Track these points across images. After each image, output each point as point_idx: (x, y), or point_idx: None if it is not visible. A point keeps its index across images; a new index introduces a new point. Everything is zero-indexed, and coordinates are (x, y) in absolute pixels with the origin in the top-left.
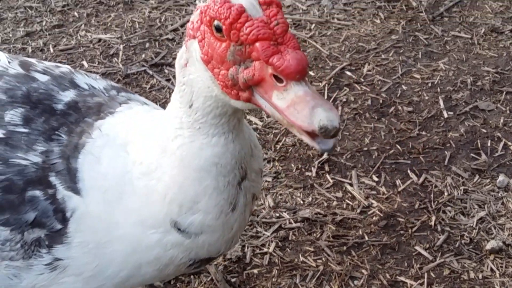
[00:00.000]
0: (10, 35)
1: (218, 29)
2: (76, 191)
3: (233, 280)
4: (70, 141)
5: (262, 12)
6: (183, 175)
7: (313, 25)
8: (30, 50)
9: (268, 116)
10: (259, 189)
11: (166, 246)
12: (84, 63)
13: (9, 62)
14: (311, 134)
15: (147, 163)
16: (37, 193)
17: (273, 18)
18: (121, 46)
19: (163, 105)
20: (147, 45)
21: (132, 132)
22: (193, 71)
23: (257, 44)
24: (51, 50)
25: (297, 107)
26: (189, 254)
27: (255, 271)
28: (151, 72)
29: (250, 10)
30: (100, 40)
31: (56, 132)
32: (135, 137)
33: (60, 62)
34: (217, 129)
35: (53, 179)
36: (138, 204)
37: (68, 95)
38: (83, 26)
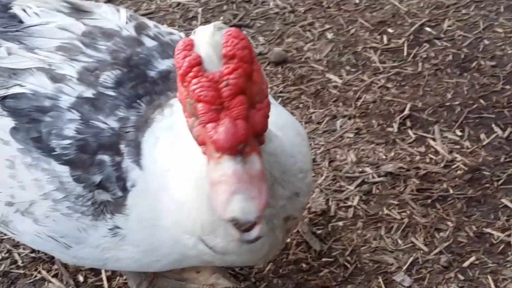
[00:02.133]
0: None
1: None
2: (139, 165)
3: (318, 232)
4: (146, 113)
5: (219, 67)
6: (199, 199)
7: None
8: None
9: (347, 74)
10: (298, 210)
11: (201, 252)
12: (165, 26)
13: (126, 23)
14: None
15: (180, 174)
16: (106, 158)
17: (225, 77)
18: (200, 9)
19: None
20: (225, 7)
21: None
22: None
23: (199, 106)
24: None
25: (219, 189)
26: (224, 262)
27: (340, 223)
28: None
29: (207, 63)
30: (179, 4)
31: (138, 100)
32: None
33: None
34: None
35: (122, 147)
36: (174, 207)
37: (165, 64)
38: None
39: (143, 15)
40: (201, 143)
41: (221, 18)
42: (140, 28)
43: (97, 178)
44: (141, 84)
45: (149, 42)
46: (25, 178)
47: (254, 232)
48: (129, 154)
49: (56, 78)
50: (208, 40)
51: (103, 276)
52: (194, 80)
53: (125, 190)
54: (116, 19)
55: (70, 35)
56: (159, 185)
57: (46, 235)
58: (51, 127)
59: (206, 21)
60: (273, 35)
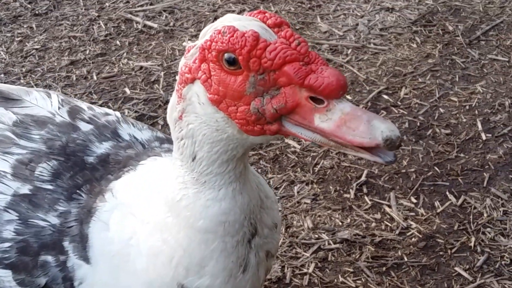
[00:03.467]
0: (55, 64)
1: (231, 62)
2: (86, 259)
3: None
4: (87, 203)
5: (275, 35)
6: (188, 238)
7: (350, 50)
8: (74, 78)
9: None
10: (275, 245)
11: None
12: (127, 90)
13: (59, 108)
14: (370, 149)
15: (154, 223)
16: (49, 258)
17: (291, 38)
18: (162, 73)
19: None
20: None
21: (139, 192)
22: (192, 119)
23: (286, 68)
24: (95, 77)
25: (350, 125)
26: None
27: None
28: None
29: (263, 34)
30: (141, 67)
31: (78, 190)
32: (142, 196)
33: (103, 89)
34: (223, 179)
35: (66, 244)
36: (146, 264)
37: (102, 147)
38: (125, 54)
39: (106, 77)
40: (291, 108)
41: None
42: (74, 113)
43: (42, 281)
44: (79, 173)
45: (84, 126)
46: None
47: (392, 152)
48: (75, 251)
49: None
50: (248, 18)
51: None
52: (269, 47)
53: None
54: (48, 105)
55: (1, 126)
56: (121, 259)
57: None
58: None
59: (168, 85)
60: None
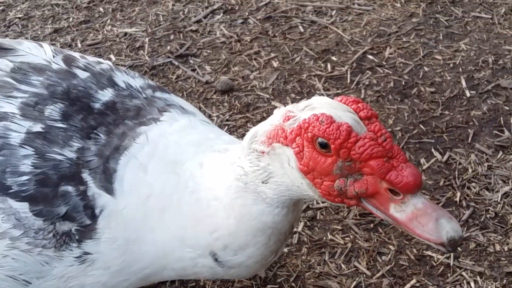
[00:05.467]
0: (39, 32)
1: (323, 146)
2: (109, 190)
3: None
4: (109, 142)
5: (365, 127)
6: (237, 227)
7: (334, 11)
8: (58, 46)
9: (292, 101)
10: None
11: (197, 264)
12: (112, 56)
13: (53, 56)
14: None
15: (200, 196)
16: (69, 188)
17: (379, 133)
18: (147, 39)
19: (189, 94)
20: (172, 37)
21: (184, 156)
22: (277, 168)
23: (371, 162)
24: (79, 45)
25: (420, 221)
26: (214, 275)
27: (285, 250)
28: (176, 63)
29: (355, 127)
30: (126, 34)
31: (94, 131)
32: (190, 164)
33: None
34: (282, 203)
35: (85, 175)
36: (184, 223)
37: (106, 95)
38: (109, 21)
39: (90, 45)
40: (371, 195)
41: (168, 47)
42: (69, 61)
43: (63, 210)
44: (89, 116)
45: (81, 74)
46: None
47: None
48: (95, 181)
49: None
50: (343, 108)
51: None
52: (359, 143)
53: (94, 217)
54: (42, 53)
55: None
56: (156, 205)
57: (4, 275)
58: (4, 166)
59: (153, 51)
60: (219, 64)
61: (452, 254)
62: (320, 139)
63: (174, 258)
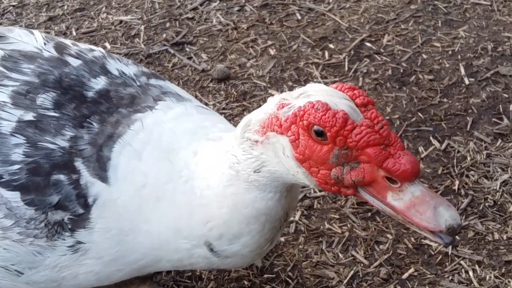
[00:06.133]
0: (33, 20)
1: (319, 134)
2: (104, 178)
3: None
4: (103, 130)
5: (361, 115)
6: (231, 215)
7: None
8: (53, 34)
9: (290, 89)
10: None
11: (192, 255)
12: (107, 44)
13: (45, 44)
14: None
15: (194, 185)
16: (62, 177)
17: (375, 120)
18: (142, 27)
19: (185, 82)
20: (168, 24)
21: (178, 144)
22: (271, 157)
23: (368, 150)
24: (74, 33)
25: (418, 209)
26: (210, 266)
27: (282, 239)
28: (172, 51)
29: (351, 115)
30: (121, 21)
31: (87, 119)
32: (184, 153)
33: None
34: (274, 188)
35: (78, 164)
36: (178, 214)
37: (99, 83)
38: (104, 8)
39: (85, 33)
40: (368, 183)
41: (164, 35)
42: (61, 48)
43: (55, 199)
44: (82, 105)
45: (73, 62)
46: None
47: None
48: (88, 170)
49: None
50: (340, 95)
51: None
52: (355, 130)
53: (86, 206)
54: (33, 41)
55: None
56: (151, 194)
57: None
58: None
59: (148, 39)
60: (216, 52)
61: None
62: (316, 127)
63: (170, 249)
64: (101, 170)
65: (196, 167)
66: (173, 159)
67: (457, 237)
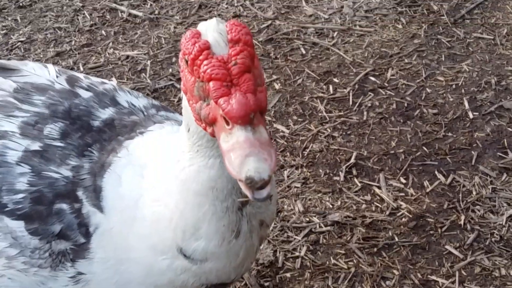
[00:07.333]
0: (41, 56)
1: (187, 63)
2: (100, 208)
3: (266, 284)
4: (100, 158)
5: (228, 50)
6: (184, 201)
7: (336, 33)
8: None
9: (294, 124)
10: (269, 216)
11: (177, 271)
12: (114, 79)
13: (57, 77)
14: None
15: (158, 188)
16: (64, 206)
17: (234, 57)
18: (149, 62)
19: None
20: (174, 59)
21: (149, 155)
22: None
23: (211, 84)
24: (81, 68)
25: (234, 153)
26: (199, 279)
27: (288, 274)
28: (178, 86)
29: (215, 47)
30: (128, 56)
31: (89, 148)
32: (150, 161)
33: None
34: (212, 151)
35: (80, 194)
36: (149, 230)
37: (106, 113)
38: (110, 44)
39: (92, 68)
40: (211, 121)
41: (170, 70)
42: (72, 81)
43: (57, 228)
44: (87, 134)
45: (84, 94)
46: None
47: (265, 191)
48: (88, 200)
49: None
50: (214, 27)
51: None
52: (205, 62)
53: (88, 235)
54: (45, 74)
55: (2, 93)
56: (128, 218)
57: None
58: (1, 184)
59: (154, 74)
60: None
61: (456, 278)
62: (186, 56)
63: (156, 273)
64: (98, 200)
65: (157, 167)
66: (145, 172)
67: (269, 194)
